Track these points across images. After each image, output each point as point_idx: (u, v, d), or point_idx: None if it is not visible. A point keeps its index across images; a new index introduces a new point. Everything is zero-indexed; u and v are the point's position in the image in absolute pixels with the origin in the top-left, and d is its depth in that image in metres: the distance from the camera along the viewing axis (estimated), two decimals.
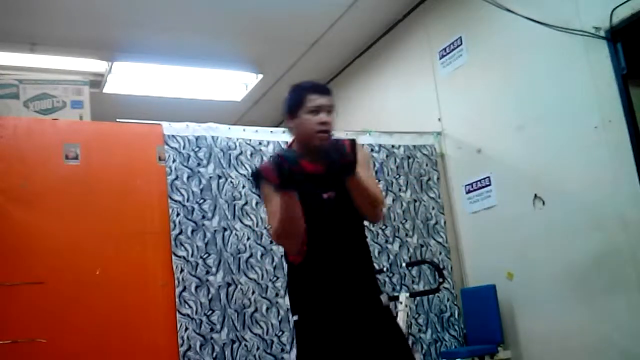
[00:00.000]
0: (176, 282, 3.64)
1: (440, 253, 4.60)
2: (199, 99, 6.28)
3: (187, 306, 3.63)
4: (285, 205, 2.12)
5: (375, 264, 4.17)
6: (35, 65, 5.11)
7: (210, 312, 3.69)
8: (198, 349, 3.59)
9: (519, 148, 4.21)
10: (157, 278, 3.62)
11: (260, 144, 4.15)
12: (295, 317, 2.29)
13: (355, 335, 2.19)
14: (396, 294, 4.03)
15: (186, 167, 3.86)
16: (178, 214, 3.75)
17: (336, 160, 2.11)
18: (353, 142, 2.25)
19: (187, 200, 3.80)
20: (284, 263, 3.91)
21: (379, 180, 4.48)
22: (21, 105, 3.70)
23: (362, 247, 2.35)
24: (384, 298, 2.31)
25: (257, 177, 2.27)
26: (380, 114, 5.52)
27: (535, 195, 4.05)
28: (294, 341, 2.42)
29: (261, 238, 3.96)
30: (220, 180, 3.95)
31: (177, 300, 3.61)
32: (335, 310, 2.22)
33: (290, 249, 2.28)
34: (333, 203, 2.27)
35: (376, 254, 4.31)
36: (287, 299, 3.89)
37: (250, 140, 4.13)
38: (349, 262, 2.26)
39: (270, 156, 2.29)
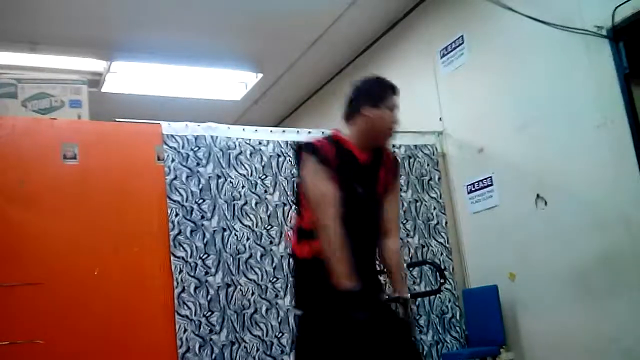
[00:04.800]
0: (175, 282, 3.61)
1: (441, 254, 4.57)
2: (198, 99, 6.25)
3: (186, 307, 3.60)
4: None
5: (375, 265, 4.19)
6: (33, 64, 5.08)
7: (209, 313, 3.66)
8: (197, 350, 3.56)
9: (521, 148, 4.18)
10: (155, 279, 3.59)
11: (259, 143, 4.12)
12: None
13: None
14: (397, 294, 4.00)
15: (185, 166, 3.83)
16: (177, 214, 3.72)
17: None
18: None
19: (186, 200, 3.77)
20: (284, 264, 3.93)
21: None
22: (19, 105, 3.67)
23: (374, 248, 2.42)
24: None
25: (307, 149, 2.30)
26: None
27: (538, 195, 4.03)
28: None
29: (261, 238, 3.93)
30: (220, 180, 3.92)
31: (175, 301, 3.58)
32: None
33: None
34: (365, 198, 2.34)
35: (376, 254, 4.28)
36: (286, 299, 3.91)
37: (249, 139, 4.10)
38: (367, 258, 2.35)
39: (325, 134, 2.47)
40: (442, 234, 4.63)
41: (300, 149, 2.31)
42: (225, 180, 3.94)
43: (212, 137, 3.96)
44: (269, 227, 3.98)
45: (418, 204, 4.61)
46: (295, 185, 2.47)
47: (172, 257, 3.64)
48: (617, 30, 3.53)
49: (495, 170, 4.39)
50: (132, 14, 4.77)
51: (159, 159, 3.79)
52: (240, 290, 3.78)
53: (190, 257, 3.69)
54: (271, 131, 4.28)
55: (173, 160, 3.80)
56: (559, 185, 3.91)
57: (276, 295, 3.88)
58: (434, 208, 4.66)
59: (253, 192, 4.00)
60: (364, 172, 2.37)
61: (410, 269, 4.33)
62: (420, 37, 5.11)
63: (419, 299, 4.27)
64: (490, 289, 4.22)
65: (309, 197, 2.19)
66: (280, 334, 3.83)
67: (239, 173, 3.99)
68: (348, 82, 6.57)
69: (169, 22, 4.95)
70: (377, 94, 2.45)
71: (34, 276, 3.28)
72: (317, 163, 2.22)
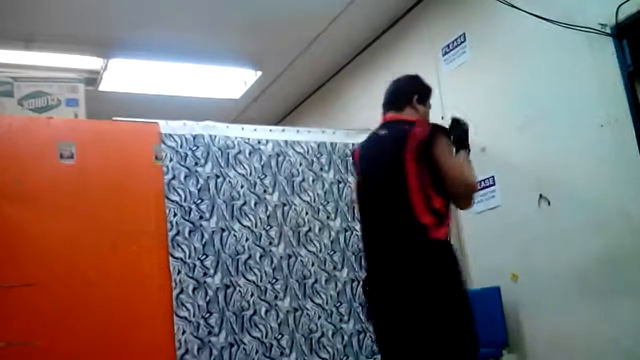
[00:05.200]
0: (173, 284, 3.57)
1: None
2: (196, 97, 6.20)
3: (184, 309, 3.56)
4: None
5: None
6: (29, 62, 5.02)
7: (208, 314, 3.62)
8: (196, 352, 3.53)
9: (524, 147, 4.14)
10: (153, 279, 3.56)
11: (259, 142, 4.09)
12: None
13: None
14: None
15: (183, 166, 3.79)
16: (175, 215, 3.68)
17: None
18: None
19: (185, 201, 3.73)
20: (284, 265, 3.88)
21: None
22: (15, 103, 3.64)
23: None
24: None
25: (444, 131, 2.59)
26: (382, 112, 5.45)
27: (541, 195, 3.98)
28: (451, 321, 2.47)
29: (260, 239, 3.89)
30: (219, 180, 3.88)
31: (174, 302, 3.54)
32: None
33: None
34: None
35: None
36: (286, 301, 3.87)
37: (249, 138, 4.07)
38: None
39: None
40: None
41: (440, 131, 2.57)
42: (224, 180, 3.90)
43: (210, 136, 3.92)
44: (269, 227, 3.95)
45: None
46: (427, 167, 2.53)
47: (170, 258, 3.60)
48: (620, 28, 3.48)
49: (497, 170, 4.35)
50: (130, 11, 4.72)
51: (156, 158, 3.76)
52: (240, 291, 3.74)
53: (189, 257, 3.65)
54: (270, 130, 4.24)
55: (171, 159, 3.76)
56: (562, 185, 3.87)
57: (276, 297, 3.84)
58: None
59: (252, 192, 3.96)
60: None
61: None
62: (421, 35, 5.05)
63: None
64: (493, 290, 4.17)
65: (452, 174, 2.46)
66: (280, 336, 3.79)
67: (237, 172, 3.96)
68: (349, 81, 6.52)
69: (167, 19, 4.90)
70: (425, 92, 2.82)
71: (30, 276, 3.24)
72: (451, 143, 2.59)
